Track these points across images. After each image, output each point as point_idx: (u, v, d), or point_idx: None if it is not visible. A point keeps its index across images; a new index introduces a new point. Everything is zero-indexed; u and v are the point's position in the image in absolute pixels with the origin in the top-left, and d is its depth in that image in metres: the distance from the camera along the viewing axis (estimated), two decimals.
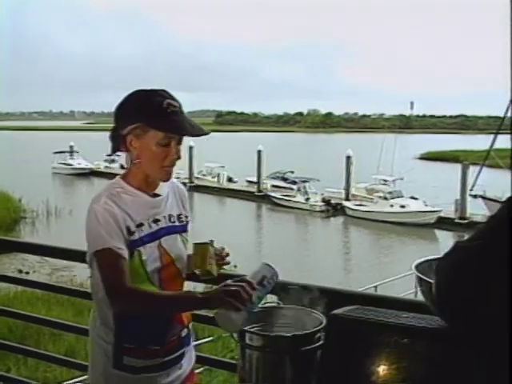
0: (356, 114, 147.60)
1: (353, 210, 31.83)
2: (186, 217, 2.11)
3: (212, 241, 2.08)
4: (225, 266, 2.18)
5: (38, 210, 30.18)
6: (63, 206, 31.24)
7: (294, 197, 34.66)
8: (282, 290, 2.06)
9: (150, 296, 1.86)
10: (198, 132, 1.92)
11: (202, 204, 35.42)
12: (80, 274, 15.17)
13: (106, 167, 46.98)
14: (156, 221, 1.99)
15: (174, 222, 2.04)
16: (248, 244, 23.70)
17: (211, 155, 48.80)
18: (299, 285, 2.03)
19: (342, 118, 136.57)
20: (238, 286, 1.72)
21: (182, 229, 2.07)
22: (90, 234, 1.91)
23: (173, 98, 1.93)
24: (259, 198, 37.03)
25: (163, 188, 2.07)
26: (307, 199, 33.75)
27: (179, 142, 1.95)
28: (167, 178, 2.01)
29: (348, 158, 35.30)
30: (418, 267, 1.64)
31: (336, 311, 1.67)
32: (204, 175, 42.47)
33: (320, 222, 31.77)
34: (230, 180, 41.10)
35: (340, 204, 33.21)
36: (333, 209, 33.24)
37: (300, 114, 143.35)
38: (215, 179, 41.03)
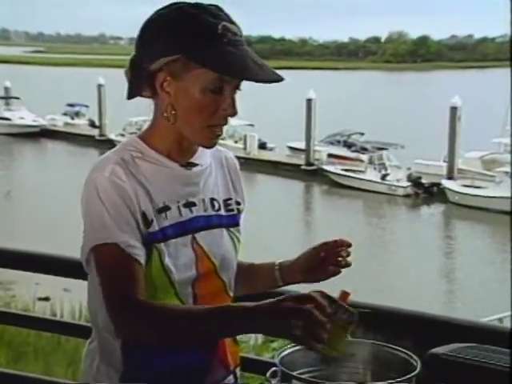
0: (470, 36, 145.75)
1: (460, 194, 31.63)
2: (238, 204, 2.16)
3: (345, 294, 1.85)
4: None
5: None
6: None
7: (364, 172, 34.64)
8: None
9: (172, 312, 1.86)
10: (268, 76, 1.91)
11: None
12: (23, 294, 15.35)
13: (67, 124, 47.72)
14: (189, 205, 2.03)
15: (218, 210, 2.08)
16: (291, 250, 23.68)
17: None
18: (377, 308, 2.03)
19: (445, 45, 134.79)
20: (310, 314, 1.66)
21: (231, 221, 2.11)
22: (88, 218, 1.94)
23: (231, 21, 1.93)
24: (309, 174, 37.09)
25: (203, 157, 2.09)
26: (384, 176, 33.66)
27: (236, 89, 1.97)
28: (212, 144, 2.03)
29: (453, 109, 34.93)
30: None
31: (437, 350, 1.67)
32: (222, 138, 41.80)
33: (405, 212, 31.65)
34: (262, 146, 41.25)
35: (437, 184, 33.05)
36: (425, 192, 33.11)
37: (376, 39, 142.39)
38: (240, 144, 41.14)
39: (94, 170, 1.95)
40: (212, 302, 2.01)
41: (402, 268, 22.95)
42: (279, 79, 1.91)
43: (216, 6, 1.94)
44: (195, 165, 2.06)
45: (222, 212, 2.09)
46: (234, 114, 1.97)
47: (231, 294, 2.11)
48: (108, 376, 2.02)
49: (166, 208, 1.98)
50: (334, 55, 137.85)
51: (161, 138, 2.02)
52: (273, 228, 26.38)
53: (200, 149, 2.06)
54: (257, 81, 1.89)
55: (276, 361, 1.86)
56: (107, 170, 1.93)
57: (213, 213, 2.06)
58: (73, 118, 48.20)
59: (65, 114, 48.47)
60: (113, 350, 2.00)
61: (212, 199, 2.08)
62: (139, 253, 1.90)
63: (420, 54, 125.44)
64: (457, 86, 45.28)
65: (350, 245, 2.10)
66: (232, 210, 2.12)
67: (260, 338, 8.13)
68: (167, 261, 1.95)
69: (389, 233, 28.08)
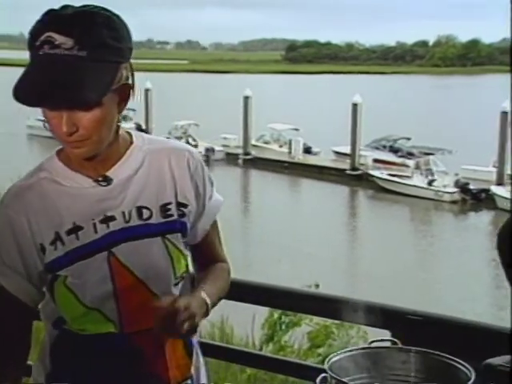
0: None
1: (510, 200, 31.14)
2: (184, 206, 2.04)
3: None
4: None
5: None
6: None
7: (410, 178, 34.38)
8: (398, 323, 2.04)
9: None
10: (40, 101, 1.78)
11: (264, 187, 35.62)
12: None
13: None
14: (107, 220, 1.95)
15: (148, 219, 1.99)
16: (335, 256, 23.62)
17: (279, 111, 48.83)
18: (428, 316, 2.01)
19: (497, 48, 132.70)
20: None
21: (168, 228, 2.01)
22: None
23: (67, 33, 1.76)
24: (354, 178, 36.93)
25: (128, 164, 1.99)
26: (431, 182, 33.38)
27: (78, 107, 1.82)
28: (76, 154, 1.90)
29: (504, 114, 34.45)
30: None
31: (492, 360, 1.64)
32: (267, 142, 42.67)
33: (452, 219, 31.32)
34: (307, 151, 41.18)
35: (486, 190, 32.63)
36: (473, 198, 32.71)
37: (424, 43, 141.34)
38: (285, 149, 41.14)
39: (2, 196, 1.99)
40: (140, 313, 1.97)
41: (448, 277, 22.66)
42: (56, 107, 1.79)
43: (88, 8, 1.82)
44: (109, 180, 1.96)
45: (154, 220, 1.98)
46: (74, 131, 1.82)
47: None
48: (38, 373, 2.09)
49: (78, 228, 1.93)
50: (380, 59, 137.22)
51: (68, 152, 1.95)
52: (317, 233, 26.29)
53: (127, 155, 1.99)
54: (24, 104, 1.77)
55: (326, 367, 1.83)
56: (6, 202, 1.97)
57: (139, 222, 1.97)
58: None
59: None
60: (45, 350, 2.08)
61: (140, 208, 1.97)
62: (10, 283, 1.96)
63: (470, 57, 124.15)
64: (508, 90, 44.62)
65: (186, 308, 1.86)
66: (171, 216, 2.01)
67: (306, 342, 8.08)
68: (71, 283, 1.94)
69: (435, 239, 27.80)
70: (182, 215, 2.03)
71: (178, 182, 2.03)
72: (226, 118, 45.61)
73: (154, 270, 1.98)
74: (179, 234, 2.02)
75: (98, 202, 1.95)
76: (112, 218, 1.95)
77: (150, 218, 1.98)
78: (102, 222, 1.94)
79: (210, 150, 40.46)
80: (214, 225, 2.17)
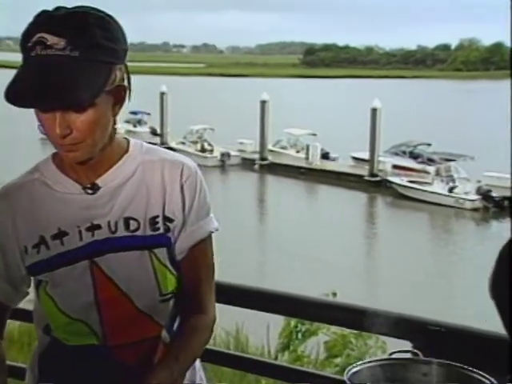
0: None
1: None
2: (170, 221, 2.00)
3: None
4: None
5: None
6: None
7: (430, 184, 34.28)
8: (419, 334, 2.02)
9: None
10: (32, 103, 1.77)
11: (280, 194, 35.59)
12: None
13: (129, 132, 47.83)
14: (93, 228, 1.95)
15: (135, 231, 1.97)
16: (353, 264, 23.60)
17: (296, 116, 48.86)
18: (449, 326, 1.99)
19: None
20: None
21: (155, 242, 1.99)
22: None
23: (59, 33, 1.76)
24: (373, 185, 36.88)
25: (121, 172, 1.98)
26: (452, 189, 33.26)
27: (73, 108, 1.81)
28: (70, 159, 1.89)
29: None
30: None
31: None
32: (284, 147, 42.69)
33: (474, 227, 31.17)
34: (325, 156, 41.17)
35: (509, 198, 32.43)
36: (495, 206, 32.56)
37: (445, 47, 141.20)
38: (302, 154, 41.16)
39: None
40: (124, 327, 1.97)
41: (471, 290, 22.53)
42: (49, 108, 1.77)
43: (77, 9, 1.81)
44: (98, 187, 1.95)
45: (141, 232, 1.96)
46: (68, 133, 1.80)
47: (159, 320, 2.01)
48: (29, 380, 2.12)
49: (63, 234, 1.93)
50: (400, 63, 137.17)
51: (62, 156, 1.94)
52: (335, 240, 26.25)
53: (120, 163, 1.97)
54: (16, 105, 1.74)
55: (345, 378, 1.82)
56: None
57: (126, 234, 1.95)
58: (135, 126, 48.67)
59: (127, 122, 48.79)
60: (35, 358, 2.10)
61: (127, 219, 1.95)
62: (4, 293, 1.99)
63: (493, 61, 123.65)
64: None
65: None
66: (158, 229, 1.98)
67: (322, 352, 8.06)
68: (51, 289, 1.94)
69: (457, 248, 27.69)
70: (168, 230, 1.99)
71: (167, 195, 2.00)
72: (242, 123, 45.72)
73: (137, 283, 1.96)
74: (165, 249, 1.99)
75: (86, 210, 1.94)
76: (98, 227, 1.94)
77: (137, 230, 1.97)
78: (87, 229, 1.94)
79: (225, 155, 40.58)
80: (202, 255, 2.08)
